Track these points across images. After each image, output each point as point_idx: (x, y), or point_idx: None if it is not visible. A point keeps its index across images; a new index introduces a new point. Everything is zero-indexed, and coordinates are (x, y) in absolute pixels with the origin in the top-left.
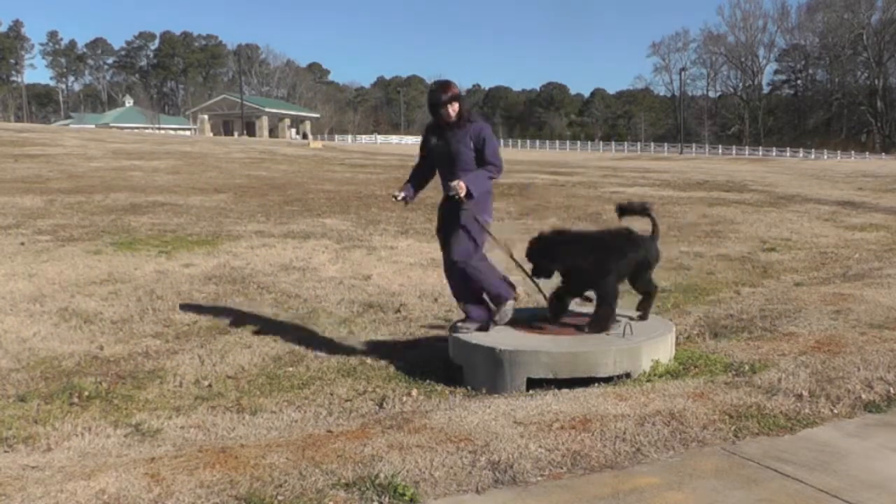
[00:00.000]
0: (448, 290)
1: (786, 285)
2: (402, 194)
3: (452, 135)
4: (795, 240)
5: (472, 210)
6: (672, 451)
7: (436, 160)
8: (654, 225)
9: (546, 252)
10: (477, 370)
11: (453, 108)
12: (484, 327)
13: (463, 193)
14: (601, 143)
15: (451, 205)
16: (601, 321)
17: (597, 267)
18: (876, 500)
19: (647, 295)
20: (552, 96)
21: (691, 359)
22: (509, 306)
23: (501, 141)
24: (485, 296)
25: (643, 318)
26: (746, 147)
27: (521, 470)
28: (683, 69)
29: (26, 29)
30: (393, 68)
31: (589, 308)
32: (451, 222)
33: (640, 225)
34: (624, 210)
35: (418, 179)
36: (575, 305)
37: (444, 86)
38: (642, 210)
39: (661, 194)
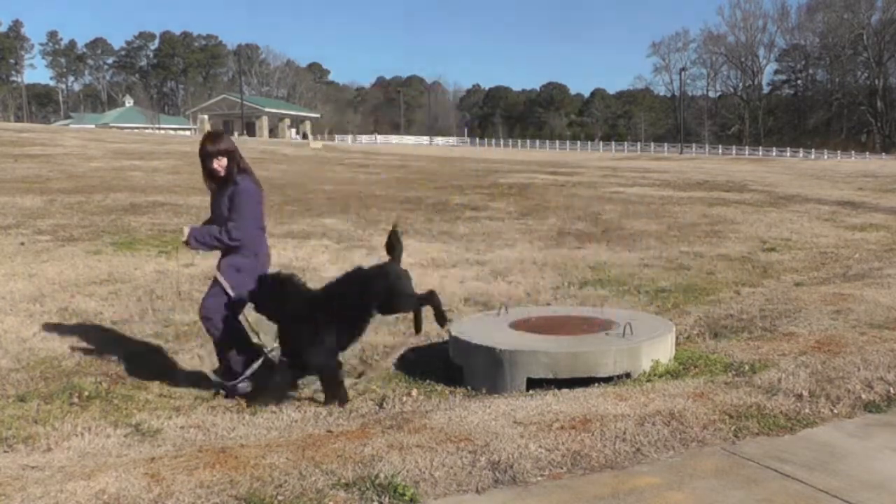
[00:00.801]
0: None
1: (786, 285)
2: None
3: (219, 191)
4: (795, 240)
5: (221, 270)
6: (672, 451)
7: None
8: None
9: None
10: (477, 370)
11: (220, 164)
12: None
13: (183, 239)
14: (601, 143)
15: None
16: (326, 392)
17: (298, 334)
18: (876, 500)
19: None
20: (552, 96)
21: (691, 359)
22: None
23: (502, 141)
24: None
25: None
26: (746, 147)
27: (521, 470)
28: (683, 69)
29: (26, 29)
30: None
31: (589, 309)
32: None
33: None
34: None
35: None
36: (574, 304)
37: (213, 137)
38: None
39: (661, 194)
